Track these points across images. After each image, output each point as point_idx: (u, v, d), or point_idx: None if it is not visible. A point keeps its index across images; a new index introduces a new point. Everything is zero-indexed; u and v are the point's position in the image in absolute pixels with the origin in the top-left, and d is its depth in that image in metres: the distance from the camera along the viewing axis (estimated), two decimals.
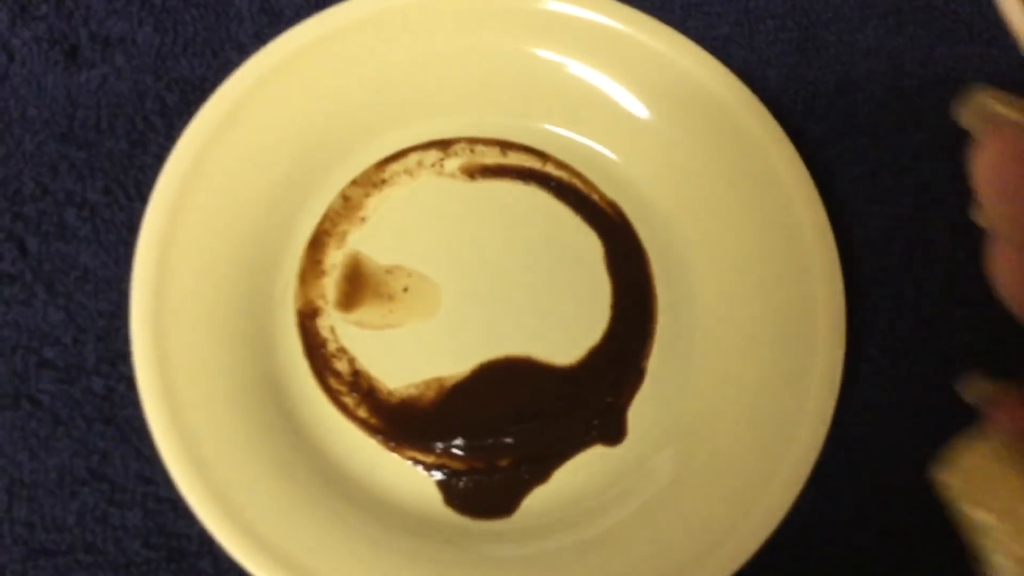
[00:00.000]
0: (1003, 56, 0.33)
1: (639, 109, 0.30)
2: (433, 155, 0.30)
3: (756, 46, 0.33)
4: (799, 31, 0.33)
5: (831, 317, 0.27)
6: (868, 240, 0.31)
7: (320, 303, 0.28)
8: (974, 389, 0.22)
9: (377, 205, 0.30)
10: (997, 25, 0.33)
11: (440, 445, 0.27)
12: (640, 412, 0.28)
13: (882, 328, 0.30)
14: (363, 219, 0.29)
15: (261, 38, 0.30)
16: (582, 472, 0.27)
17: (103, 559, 0.26)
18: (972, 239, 0.31)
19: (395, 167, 0.30)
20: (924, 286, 0.31)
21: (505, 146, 0.30)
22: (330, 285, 0.29)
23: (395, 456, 0.27)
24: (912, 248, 0.31)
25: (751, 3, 0.33)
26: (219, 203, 0.27)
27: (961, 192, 0.32)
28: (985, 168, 0.18)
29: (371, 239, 0.29)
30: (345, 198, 0.29)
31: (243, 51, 0.31)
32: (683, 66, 0.29)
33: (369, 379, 0.28)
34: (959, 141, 0.32)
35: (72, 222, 0.29)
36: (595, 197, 0.30)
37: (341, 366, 0.28)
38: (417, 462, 0.27)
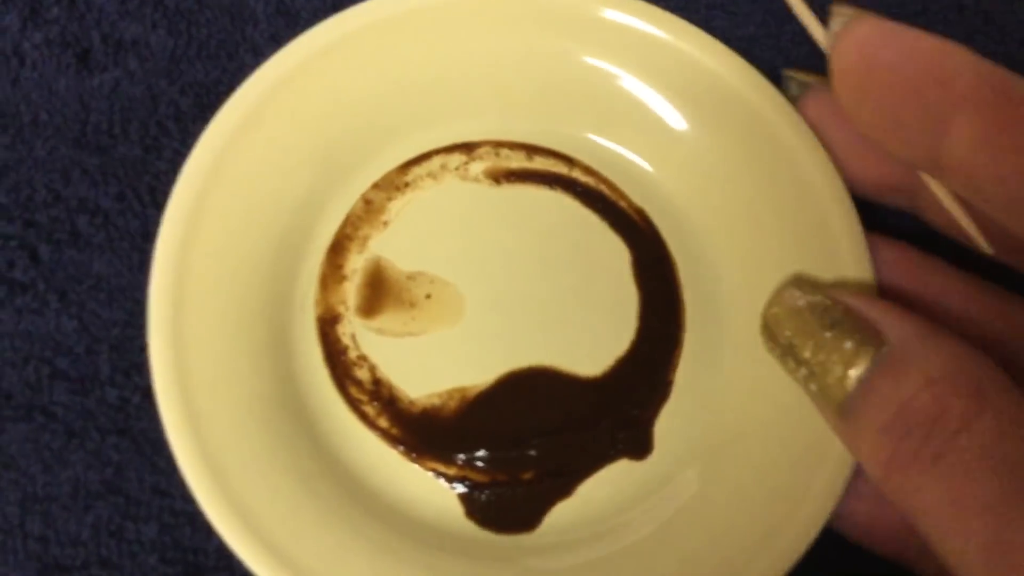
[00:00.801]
0: None
1: (670, 115, 0.29)
2: (457, 158, 0.29)
3: (782, 47, 0.32)
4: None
5: None
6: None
7: (341, 309, 0.28)
8: (794, 81, 0.27)
9: (399, 209, 0.29)
10: None
11: (462, 457, 0.26)
12: (667, 426, 0.27)
13: None
14: (385, 223, 0.29)
15: (277, 41, 0.29)
16: (607, 487, 0.26)
17: (118, 574, 0.25)
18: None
19: (418, 170, 0.29)
20: None
21: (531, 150, 0.30)
22: (351, 291, 0.28)
23: (416, 467, 0.26)
24: (915, 242, 0.30)
25: (776, 3, 0.32)
26: (238, 208, 0.26)
27: None
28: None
29: (393, 244, 0.28)
30: (367, 202, 0.29)
31: (259, 54, 0.30)
32: (718, 73, 0.28)
33: (390, 388, 0.27)
34: None
35: (85, 229, 0.28)
36: (622, 204, 0.29)
37: (362, 374, 0.27)
38: (439, 474, 0.26)
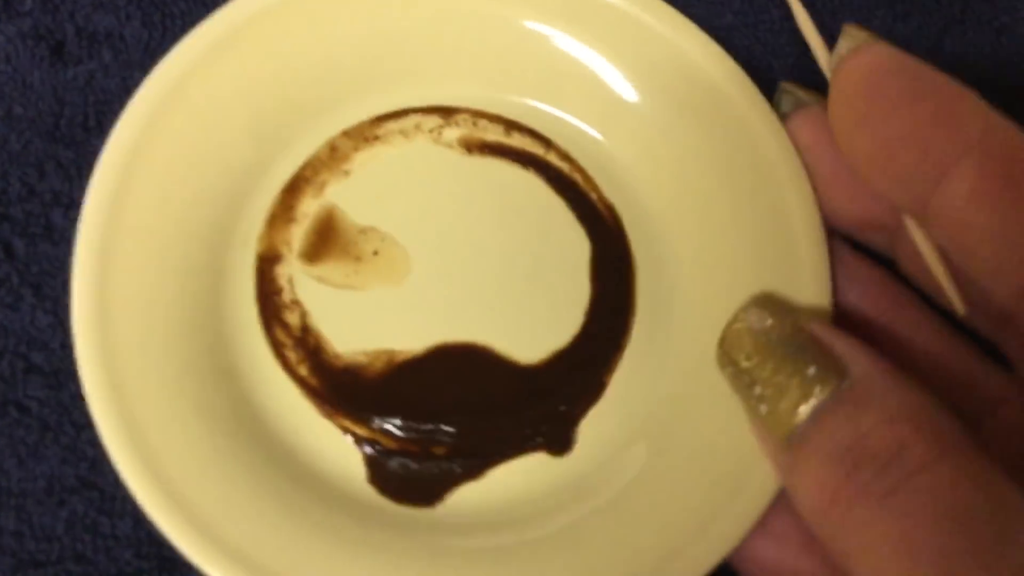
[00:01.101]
0: (1013, 46, 0.32)
1: (661, 116, 0.28)
2: (433, 120, 0.29)
3: (760, 35, 0.32)
4: None
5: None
6: None
7: (283, 250, 0.27)
8: (789, 96, 0.26)
9: (365, 161, 0.28)
10: (1008, 13, 0.33)
11: (376, 420, 0.26)
12: (593, 427, 0.26)
13: None
14: (347, 172, 0.28)
15: None
16: (518, 477, 0.26)
17: (93, 569, 0.25)
18: None
19: (391, 125, 0.29)
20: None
21: (510, 126, 0.29)
22: (298, 233, 0.27)
23: (327, 422, 0.26)
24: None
25: None
26: (193, 128, 0.26)
27: None
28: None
29: (351, 195, 0.28)
30: (332, 148, 0.28)
31: None
32: (673, 42, 0.28)
33: (318, 337, 0.26)
34: None
35: (60, 223, 0.28)
36: (594, 196, 0.29)
37: (292, 318, 0.27)
38: (348, 432, 0.26)
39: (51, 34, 0.30)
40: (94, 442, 0.26)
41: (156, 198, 0.25)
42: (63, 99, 0.29)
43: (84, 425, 0.26)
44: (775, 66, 0.31)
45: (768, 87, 0.30)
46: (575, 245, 0.28)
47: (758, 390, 0.20)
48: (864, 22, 0.32)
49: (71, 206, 0.28)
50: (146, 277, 0.25)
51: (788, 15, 0.32)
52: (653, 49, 0.28)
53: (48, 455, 0.26)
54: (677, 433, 0.26)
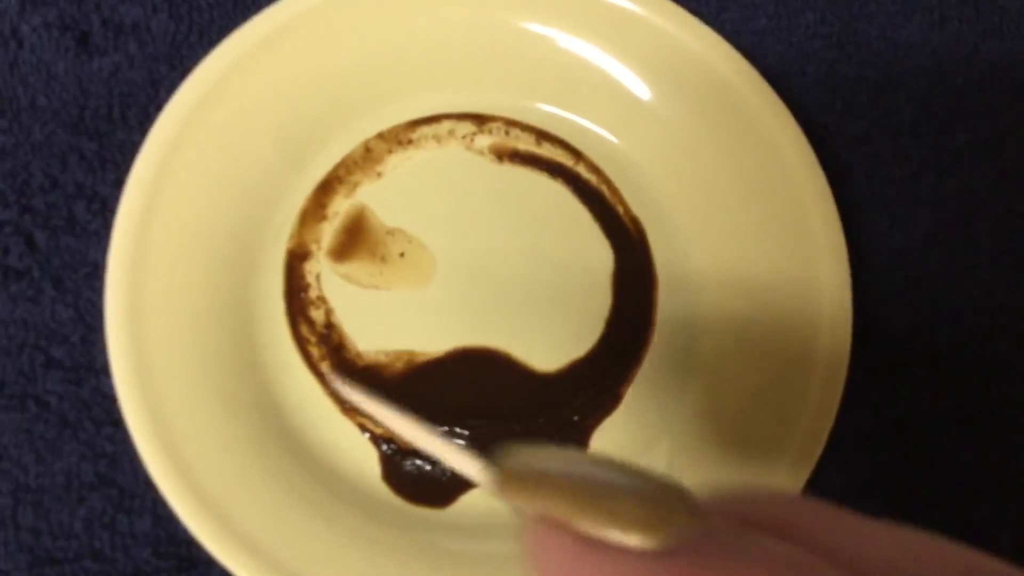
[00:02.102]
0: None
1: (694, 133, 0.29)
2: (467, 127, 0.29)
3: (794, 40, 0.31)
4: (840, 25, 0.32)
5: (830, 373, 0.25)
6: (908, 244, 0.30)
7: (313, 247, 0.28)
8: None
9: (397, 164, 0.29)
10: None
11: None
12: (606, 437, 0.26)
13: (924, 337, 0.29)
14: (379, 174, 0.28)
15: None
16: None
17: (111, 567, 0.25)
18: (1017, 244, 0.30)
19: (425, 130, 0.29)
20: (967, 292, 0.29)
21: (541, 136, 0.29)
22: (328, 232, 0.28)
23: (345, 419, 0.26)
24: (954, 253, 0.30)
25: None
26: (231, 126, 0.26)
27: (1007, 195, 0.31)
28: None
29: (381, 196, 0.28)
30: (367, 149, 0.29)
31: None
32: (685, 43, 0.28)
33: (341, 335, 0.27)
34: (1004, 142, 0.31)
35: (82, 216, 0.28)
36: (620, 209, 0.29)
37: (317, 315, 0.27)
38: (366, 430, 0.26)
39: (76, 25, 0.30)
40: (113, 439, 0.26)
41: (191, 193, 0.26)
42: (87, 90, 0.29)
43: (103, 422, 0.26)
44: (808, 71, 0.31)
45: (801, 92, 0.29)
46: (599, 257, 0.28)
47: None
48: (899, 29, 0.32)
49: (94, 199, 0.28)
50: (178, 269, 0.25)
51: (822, 20, 0.32)
52: (690, 70, 0.28)
53: (67, 451, 0.26)
54: (692, 443, 0.26)
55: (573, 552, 0.13)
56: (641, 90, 0.29)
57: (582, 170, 0.29)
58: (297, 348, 0.26)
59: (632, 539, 0.13)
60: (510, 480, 0.14)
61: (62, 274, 0.27)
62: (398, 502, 0.25)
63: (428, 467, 0.26)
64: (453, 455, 0.16)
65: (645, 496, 0.14)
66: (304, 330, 0.27)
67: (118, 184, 0.28)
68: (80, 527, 0.25)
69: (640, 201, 0.29)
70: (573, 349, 0.27)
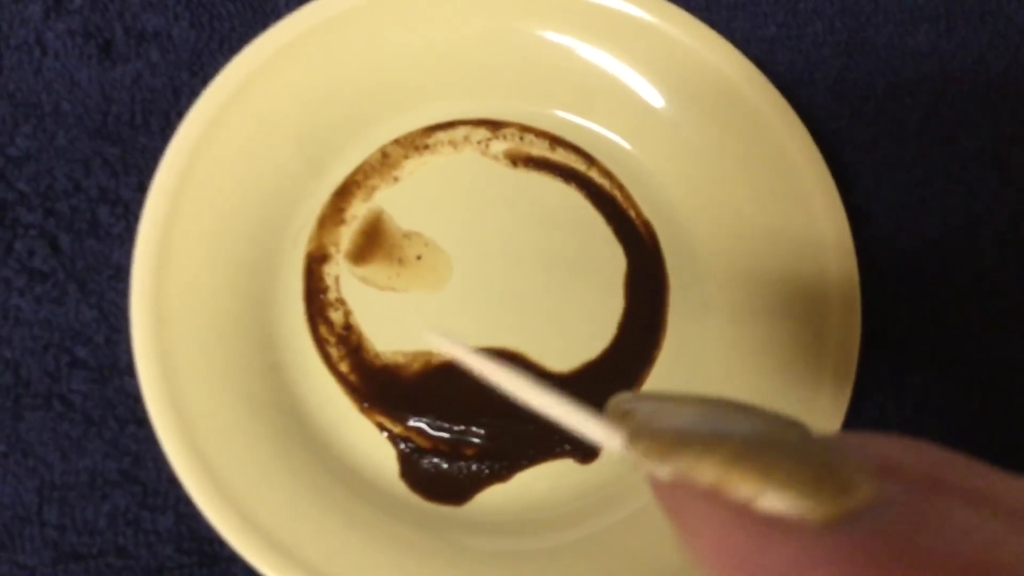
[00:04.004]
0: None
1: (705, 139, 0.29)
2: (482, 133, 0.30)
3: (804, 48, 0.32)
4: (848, 33, 0.32)
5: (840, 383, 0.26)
6: (915, 250, 0.30)
7: (331, 250, 0.28)
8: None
9: (414, 168, 0.29)
10: None
11: (411, 419, 0.27)
12: None
13: (930, 340, 0.29)
14: (396, 179, 0.29)
15: None
16: (545, 481, 0.26)
17: (134, 563, 0.25)
18: (1022, 251, 0.30)
19: (441, 135, 0.30)
20: (972, 298, 0.30)
21: (555, 141, 0.30)
22: (346, 235, 0.28)
23: (363, 419, 0.27)
24: (961, 259, 0.30)
25: (799, 4, 0.32)
26: (252, 132, 0.27)
27: (1013, 202, 0.31)
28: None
29: (398, 200, 0.29)
30: (384, 154, 0.29)
31: None
32: (696, 51, 0.28)
33: (360, 336, 0.27)
34: (1010, 150, 0.31)
35: (105, 219, 0.28)
36: (632, 213, 0.29)
37: (336, 316, 0.27)
38: (384, 429, 0.27)
39: (100, 32, 0.30)
40: (137, 437, 0.26)
41: (213, 198, 0.26)
42: (110, 97, 0.30)
43: (127, 420, 0.27)
44: (816, 78, 0.31)
45: (810, 99, 0.30)
46: (612, 260, 0.29)
47: None
48: (907, 37, 0.32)
49: (116, 203, 0.29)
50: (200, 272, 0.26)
51: (831, 28, 0.32)
52: (702, 77, 0.29)
53: (91, 449, 0.26)
54: None
55: (728, 525, 0.11)
56: (653, 97, 0.29)
57: (595, 175, 0.30)
58: (317, 349, 0.27)
59: (800, 506, 0.11)
60: (642, 440, 0.12)
61: (86, 276, 0.28)
62: (416, 500, 0.26)
63: (445, 465, 0.26)
64: (573, 415, 0.14)
65: (806, 454, 0.11)
66: (324, 331, 0.27)
67: (140, 188, 0.29)
68: (104, 524, 0.26)
69: (652, 205, 0.29)
70: (587, 351, 0.28)
